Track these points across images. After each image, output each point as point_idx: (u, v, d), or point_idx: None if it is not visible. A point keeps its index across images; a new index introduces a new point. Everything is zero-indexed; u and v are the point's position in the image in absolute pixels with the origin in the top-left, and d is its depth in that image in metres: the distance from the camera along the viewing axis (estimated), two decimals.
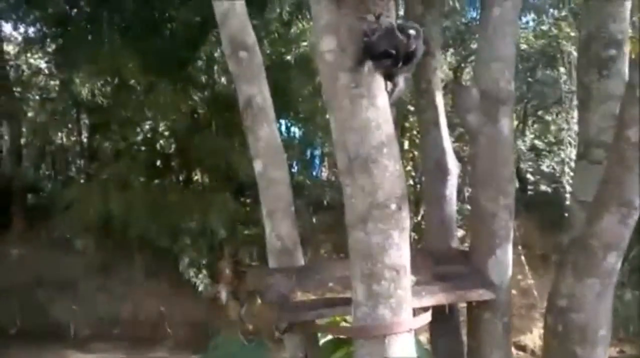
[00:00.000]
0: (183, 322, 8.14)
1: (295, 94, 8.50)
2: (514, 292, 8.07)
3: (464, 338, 2.29)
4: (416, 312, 1.91)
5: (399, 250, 1.74)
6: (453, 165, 2.44)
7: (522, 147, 8.29)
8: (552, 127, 8.58)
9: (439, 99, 2.51)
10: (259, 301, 8.23)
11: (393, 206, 1.73)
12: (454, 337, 2.33)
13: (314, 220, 8.41)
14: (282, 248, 2.28)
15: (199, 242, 8.48)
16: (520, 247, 7.21)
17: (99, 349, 7.99)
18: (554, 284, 2.07)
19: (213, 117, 8.93)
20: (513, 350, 7.64)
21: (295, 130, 9.06)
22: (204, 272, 8.37)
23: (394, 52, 1.67)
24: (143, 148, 9.01)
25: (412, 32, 1.71)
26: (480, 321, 2.15)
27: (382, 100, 1.75)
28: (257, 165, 2.38)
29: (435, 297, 1.94)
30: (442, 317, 2.33)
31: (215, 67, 8.94)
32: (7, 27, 9.57)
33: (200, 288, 8.28)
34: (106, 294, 8.91)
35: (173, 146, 10.00)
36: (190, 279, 8.32)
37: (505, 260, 2.14)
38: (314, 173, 9.22)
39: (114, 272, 9.06)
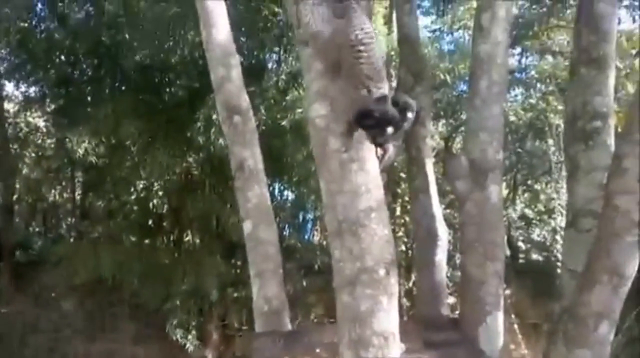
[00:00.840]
0: None
1: (289, 158, 8.59)
2: None
3: None
4: None
5: (388, 316, 1.72)
6: (443, 232, 2.45)
7: (513, 215, 8.33)
8: (542, 196, 8.66)
9: (429, 167, 2.56)
10: None
11: (382, 271, 1.73)
12: None
13: (304, 283, 8.28)
14: (270, 310, 2.25)
15: (188, 303, 8.32)
16: (512, 316, 7.09)
17: None
18: (545, 354, 2.03)
19: (207, 178, 8.98)
20: None
21: (288, 194, 9.10)
22: (193, 332, 8.16)
23: (384, 121, 1.72)
24: (135, 207, 8.99)
25: (403, 103, 1.77)
26: None
27: (372, 165, 1.78)
28: (247, 226, 2.39)
29: None
30: None
31: (212, 130, 9.09)
32: (9, 86, 9.77)
33: (190, 350, 8.05)
34: (94, 356, 8.64)
35: (165, 206, 9.99)
36: (179, 341, 8.10)
37: (496, 327, 2.11)
38: (306, 236, 9.16)
39: (102, 333, 8.83)
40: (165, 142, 8.91)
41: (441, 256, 2.42)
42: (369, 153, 1.78)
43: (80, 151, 9.26)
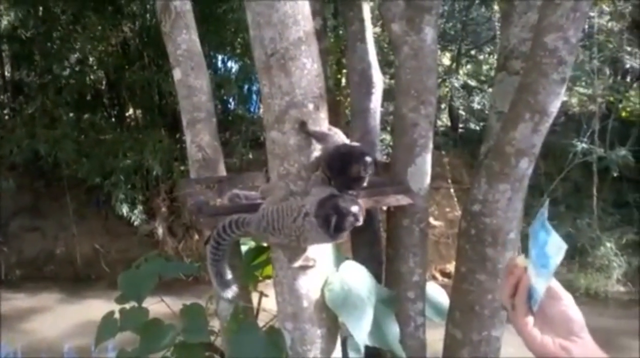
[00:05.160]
0: (119, 259, 8.04)
1: (231, 28, 8.22)
2: (441, 223, 8.45)
3: (384, 247, 2.35)
4: None
5: (316, 151, 1.73)
6: (378, 79, 2.43)
7: (456, 84, 8.46)
8: (484, 67, 8.78)
9: (366, 12, 2.47)
10: (197, 236, 8.23)
11: (311, 106, 1.71)
12: (374, 246, 2.39)
13: (250, 156, 8.34)
14: (204, 158, 2.23)
15: (133, 178, 8.28)
16: (449, 181, 7.47)
17: (32, 289, 7.80)
18: (469, 191, 2.14)
19: (145, 49, 8.54)
20: (439, 276, 8.07)
21: (232, 65, 8.81)
22: (140, 207, 8.22)
23: None
24: (71, 81, 8.55)
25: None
26: (399, 228, 2.20)
27: None
28: (176, 74, 2.28)
29: None
30: (362, 226, 2.38)
31: None
32: None
33: (135, 224, 8.15)
34: (37, 234, 8.63)
35: (104, 80, 9.55)
36: (125, 216, 8.16)
37: (424, 168, 2.18)
38: (251, 108, 9.05)
39: (45, 212, 8.77)
40: (97, 10, 8.33)
41: (376, 103, 2.43)
42: None
43: (5, 22, 8.52)
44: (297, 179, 1.72)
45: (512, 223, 2.07)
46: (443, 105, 9.99)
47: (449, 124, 9.68)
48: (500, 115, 2.17)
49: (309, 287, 1.78)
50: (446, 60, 9.33)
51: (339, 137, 1.77)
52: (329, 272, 1.83)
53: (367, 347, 1.97)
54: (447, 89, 9.06)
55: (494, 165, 2.02)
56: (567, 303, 0.75)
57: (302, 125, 1.69)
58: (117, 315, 2.33)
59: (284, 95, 1.69)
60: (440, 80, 9.56)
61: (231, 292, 1.82)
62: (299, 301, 1.78)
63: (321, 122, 1.73)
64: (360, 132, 2.44)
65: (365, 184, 1.69)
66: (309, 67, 1.69)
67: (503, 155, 1.98)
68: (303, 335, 1.81)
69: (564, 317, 0.74)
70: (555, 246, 0.79)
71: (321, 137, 1.70)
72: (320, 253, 1.80)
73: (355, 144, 1.74)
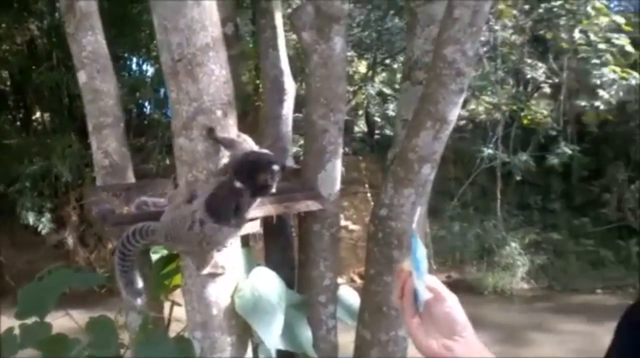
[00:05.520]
0: (25, 271, 7.55)
1: (146, 29, 7.99)
2: (359, 226, 8.64)
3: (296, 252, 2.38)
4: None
5: (225, 158, 1.73)
6: (290, 85, 2.46)
7: (372, 92, 8.72)
8: (398, 75, 9.13)
9: (279, 19, 2.50)
10: (110, 245, 7.90)
11: (219, 112, 1.71)
12: (287, 251, 2.42)
13: (167, 161, 8.13)
14: (110, 165, 2.16)
15: (40, 186, 7.82)
16: (367, 186, 7.67)
17: None
18: (378, 196, 2.22)
19: (53, 49, 8.11)
20: (357, 279, 8.24)
21: (148, 68, 8.57)
22: (47, 216, 7.77)
23: None
24: None
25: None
26: (310, 233, 2.24)
27: (209, 0, 1.69)
28: (82, 77, 2.20)
29: (263, 209, 1.97)
30: (274, 232, 2.41)
31: None
32: None
33: (43, 233, 7.69)
34: None
35: (8, 81, 8.98)
36: (32, 225, 7.69)
37: (334, 174, 2.24)
38: (168, 113, 8.84)
39: None
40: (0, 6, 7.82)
41: (287, 109, 2.46)
42: None
43: None
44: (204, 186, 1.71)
45: (417, 227, 2.16)
46: (360, 112, 10.25)
47: (365, 130, 9.95)
48: (405, 123, 2.27)
49: (219, 294, 1.77)
50: (362, 68, 9.58)
51: (248, 143, 1.78)
52: (239, 278, 1.83)
53: (280, 352, 1.99)
54: (363, 96, 9.31)
55: (399, 171, 2.11)
56: (451, 305, 0.80)
57: (210, 132, 1.69)
58: (17, 331, 2.19)
59: (192, 101, 1.68)
60: (356, 87, 9.82)
61: (142, 301, 1.78)
62: (208, 309, 1.77)
63: (230, 129, 1.73)
64: (272, 139, 2.46)
65: (273, 191, 1.71)
66: (217, 73, 1.69)
67: (407, 161, 2.07)
68: (213, 344, 1.80)
69: (447, 317, 0.79)
70: (421, 251, 0.85)
71: (229, 144, 1.71)
72: (230, 260, 1.80)
73: (263, 151, 1.75)
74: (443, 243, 8.76)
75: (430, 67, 2.03)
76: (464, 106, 10.08)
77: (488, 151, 8.61)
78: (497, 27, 8.40)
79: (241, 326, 1.82)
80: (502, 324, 7.42)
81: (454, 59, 1.94)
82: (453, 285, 7.91)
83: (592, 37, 7.68)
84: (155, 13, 1.68)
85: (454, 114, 2.00)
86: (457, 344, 0.78)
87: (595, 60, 7.72)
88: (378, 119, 8.84)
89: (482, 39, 8.67)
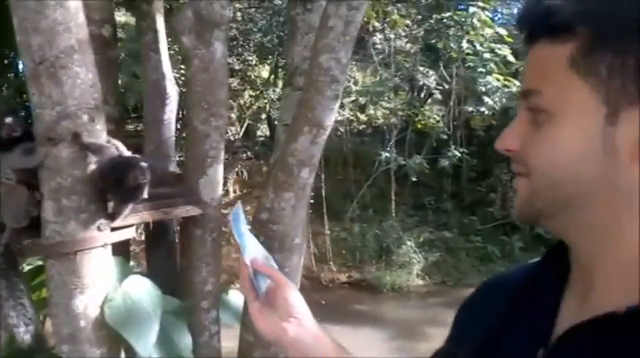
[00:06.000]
0: None
1: None
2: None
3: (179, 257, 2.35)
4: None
5: (93, 164, 1.68)
6: (172, 90, 2.43)
7: (272, 96, 8.78)
8: None
9: (160, 23, 2.46)
10: None
11: (85, 117, 1.65)
12: (169, 257, 2.38)
13: None
14: None
15: None
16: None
17: None
18: (259, 200, 2.24)
19: None
20: None
21: None
22: None
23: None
24: None
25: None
26: (191, 238, 2.22)
27: (73, 2, 1.63)
28: None
29: (140, 215, 1.93)
30: (156, 238, 2.37)
31: None
32: None
33: None
34: None
35: None
36: None
37: (216, 179, 2.23)
38: None
39: None
40: None
41: (170, 114, 2.42)
42: None
43: None
44: (70, 194, 1.64)
45: (297, 230, 2.22)
46: (263, 116, 10.27)
47: (268, 134, 9.99)
48: (285, 127, 2.32)
49: (87, 305, 1.71)
50: (265, 73, 9.62)
51: (119, 149, 1.74)
52: (109, 287, 1.78)
53: None
54: (265, 101, 9.34)
55: (279, 175, 2.15)
56: (288, 290, 0.84)
57: (76, 137, 1.63)
58: None
59: (55, 105, 1.61)
60: (258, 92, 9.82)
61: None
62: (75, 321, 1.70)
63: (98, 134, 1.68)
64: (155, 144, 2.41)
65: (145, 193, 1.68)
66: (82, 76, 1.64)
67: (287, 165, 2.11)
68: (81, 357, 1.73)
69: (284, 302, 0.83)
70: (244, 228, 0.90)
71: (97, 150, 1.66)
72: (100, 269, 1.74)
73: (131, 155, 1.72)
74: (344, 244, 8.98)
75: (307, 74, 2.09)
76: (363, 111, 10.44)
77: (385, 154, 8.95)
78: (391, 36, 8.76)
79: (112, 337, 1.76)
80: (400, 320, 7.74)
81: (329, 67, 2.01)
82: (354, 285, 8.15)
83: (478, 47, 8.23)
84: (15, 14, 1.60)
85: (330, 119, 2.07)
86: (290, 325, 0.82)
87: (481, 69, 8.28)
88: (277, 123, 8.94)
89: (378, 47, 9.02)
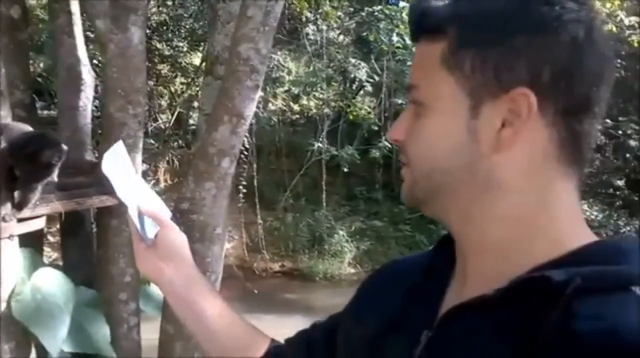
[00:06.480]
0: None
1: None
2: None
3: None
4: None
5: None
6: (88, 75, 2.35)
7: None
8: None
9: (75, 5, 2.36)
10: None
11: None
12: (86, 249, 2.31)
13: None
14: None
15: None
16: None
17: None
18: (180, 190, 2.22)
19: None
20: None
21: None
22: None
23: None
24: None
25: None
26: (108, 229, 2.17)
27: None
28: None
29: (51, 206, 1.86)
30: (72, 229, 2.29)
31: None
32: None
33: None
34: None
35: None
36: None
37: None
38: None
39: None
40: None
41: (85, 100, 2.34)
42: None
43: None
44: None
45: (218, 219, 2.21)
46: (195, 104, 10.06)
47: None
48: (207, 117, 2.30)
49: None
50: (197, 60, 9.42)
51: (24, 128, 1.67)
52: (17, 281, 1.71)
53: (76, 353, 1.91)
54: (197, 89, 9.15)
55: (200, 164, 2.14)
56: (171, 233, 0.86)
57: None
58: None
59: None
60: (190, 79, 9.60)
61: None
62: None
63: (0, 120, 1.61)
64: (69, 131, 2.33)
65: (55, 174, 1.63)
66: None
67: (207, 155, 2.10)
68: None
69: (164, 242, 0.85)
70: (123, 163, 0.87)
71: (3, 128, 1.58)
72: (6, 262, 1.67)
73: (46, 131, 1.66)
74: (277, 233, 8.99)
75: (227, 63, 2.08)
76: (296, 101, 10.45)
77: (318, 144, 9.02)
78: (324, 27, 8.81)
79: (21, 331, 1.70)
80: (332, 307, 7.69)
81: (249, 56, 2.01)
82: (287, 274, 8.18)
83: (408, 40, 8.42)
84: None
85: (250, 109, 2.08)
86: (167, 267, 0.85)
87: (410, 62, 8.48)
88: None
89: (311, 37, 9.04)
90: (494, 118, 0.56)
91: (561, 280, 0.50)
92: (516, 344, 0.51)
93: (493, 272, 0.57)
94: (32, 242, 1.95)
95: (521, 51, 0.54)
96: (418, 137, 0.61)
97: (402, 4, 8.29)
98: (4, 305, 1.65)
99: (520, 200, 0.57)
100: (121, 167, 0.87)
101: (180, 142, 9.55)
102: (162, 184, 8.92)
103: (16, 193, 1.70)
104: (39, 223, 1.83)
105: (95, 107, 2.49)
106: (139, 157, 2.22)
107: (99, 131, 2.36)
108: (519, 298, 0.52)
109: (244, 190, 7.98)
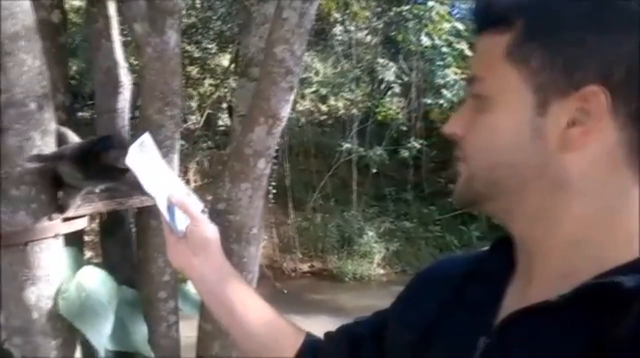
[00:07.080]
0: None
1: None
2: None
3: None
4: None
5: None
6: (125, 78, 2.39)
7: (234, 85, 8.71)
8: None
9: (112, 9, 2.41)
10: None
11: (33, 105, 1.62)
12: (126, 248, 2.35)
13: None
14: None
15: None
16: None
17: None
18: (215, 191, 2.24)
19: None
20: None
21: None
22: None
23: None
24: None
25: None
26: (147, 229, 2.20)
27: None
28: None
29: (93, 205, 1.90)
30: (112, 229, 2.34)
31: None
32: None
33: None
34: None
35: None
36: None
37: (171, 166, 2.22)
38: None
39: None
40: None
41: (123, 102, 2.38)
42: None
43: None
44: (19, 183, 1.61)
45: (254, 220, 2.23)
46: (224, 105, 10.17)
47: (229, 123, 9.91)
48: (241, 118, 2.32)
49: (39, 296, 1.69)
50: (225, 61, 9.53)
51: (71, 137, 1.72)
52: (63, 279, 1.75)
53: (118, 351, 1.95)
54: (226, 90, 9.27)
55: (235, 165, 2.16)
56: (202, 226, 0.86)
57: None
58: None
59: (1, 93, 1.58)
60: (219, 81, 9.72)
61: None
62: (27, 313, 1.68)
63: (46, 123, 1.65)
64: (107, 133, 2.37)
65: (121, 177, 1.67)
66: (29, 64, 1.60)
67: (243, 156, 2.12)
68: (35, 349, 1.71)
69: (197, 237, 0.86)
70: (152, 157, 0.88)
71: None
72: (52, 260, 1.72)
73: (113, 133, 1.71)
74: (306, 234, 9.03)
75: (262, 65, 2.10)
76: (324, 102, 10.48)
77: (347, 145, 9.02)
78: (352, 28, 8.81)
79: (67, 328, 1.75)
80: (361, 308, 7.82)
81: (284, 58, 2.02)
82: (316, 274, 8.20)
83: (437, 40, 8.36)
84: None
85: (285, 110, 2.09)
86: (198, 260, 0.85)
87: (439, 62, 8.42)
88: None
89: (339, 38, 9.05)
90: (562, 116, 0.54)
91: (632, 287, 0.48)
92: (583, 349, 0.50)
93: (559, 274, 0.56)
94: (73, 241, 2.00)
95: (594, 47, 0.52)
96: (479, 131, 0.60)
97: (430, 3, 8.22)
98: (51, 302, 1.70)
99: (591, 202, 0.55)
100: (149, 159, 0.87)
101: (209, 143, 9.67)
102: (192, 184, 9.04)
103: (60, 194, 1.75)
104: (82, 223, 1.87)
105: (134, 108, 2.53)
106: (176, 158, 2.25)
107: (132, 133, 2.39)
108: (585, 303, 0.51)
109: (275, 191, 8.04)
